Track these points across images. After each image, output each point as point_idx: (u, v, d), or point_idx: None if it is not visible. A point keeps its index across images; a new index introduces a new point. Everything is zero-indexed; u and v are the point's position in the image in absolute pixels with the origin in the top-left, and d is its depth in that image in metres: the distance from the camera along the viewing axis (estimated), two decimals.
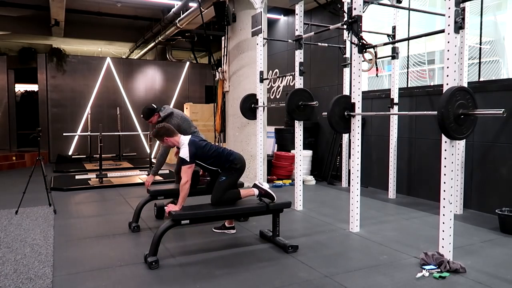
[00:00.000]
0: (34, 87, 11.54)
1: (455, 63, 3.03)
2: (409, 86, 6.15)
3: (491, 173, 4.83)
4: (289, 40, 6.60)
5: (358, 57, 4.06)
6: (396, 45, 5.71)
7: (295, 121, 5.17)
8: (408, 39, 5.43)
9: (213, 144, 3.81)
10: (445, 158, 3.12)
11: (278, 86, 9.36)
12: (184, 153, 3.50)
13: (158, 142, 5.02)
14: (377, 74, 5.67)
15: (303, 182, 5.37)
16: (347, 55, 6.68)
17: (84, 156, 9.93)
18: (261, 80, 5.86)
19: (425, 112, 4.48)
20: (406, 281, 2.94)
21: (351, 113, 4.13)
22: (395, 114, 5.78)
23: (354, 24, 3.96)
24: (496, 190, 4.78)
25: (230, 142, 6.91)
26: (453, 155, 3.11)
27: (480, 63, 5.07)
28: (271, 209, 3.66)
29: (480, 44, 5.03)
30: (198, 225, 4.21)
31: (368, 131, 6.67)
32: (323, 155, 7.64)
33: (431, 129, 5.55)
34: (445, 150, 3.12)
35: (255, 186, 3.79)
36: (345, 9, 4.13)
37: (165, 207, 3.61)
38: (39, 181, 5.43)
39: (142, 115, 4.78)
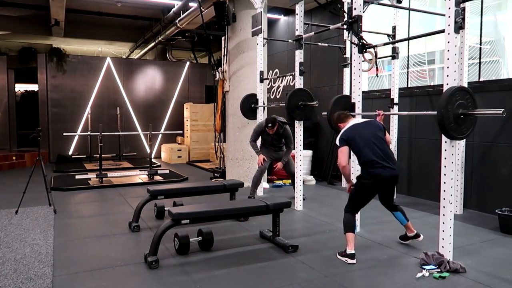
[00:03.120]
0: (34, 87, 11.53)
1: (455, 63, 3.03)
2: (409, 86, 6.15)
3: (491, 173, 4.83)
4: (289, 40, 6.60)
5: (358, 57, 4.06)
6: (396, 45, 5.70)
7: (295, 121, 5.18)
8: (408, 39, 5.43)
9: (371, 138, 3.40)
10: (445, 158, 3.12)
11: (278, 86, 9.35)
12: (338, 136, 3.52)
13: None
14: (377, 74, 5.66)
15: (303, 182, 5.37)
16: (347, 55, 6.68)
17: (84, 156, 9.93)
18: (261, 80, 5.86)
19: (425, 112, 4.49)
20: (406, 281, 2.95)
21: (351, 113, 4.12)
22: (395, 114, 5.78)
23: (354, 24, 3.96)
24: (496, 190, 4.78)
25: (230, 142, 6.92)
26: (453, 155, 3.11)
27: (480, 63, 5.07)
28: (271, 209, 3.66)
29: (480, 44, 5.03)
30: (198, 225, 4.21)
31: None
32: (323, 155, 7.63)
33: (431, 129, 5.55)
34: (445, 150, 3.12)
35: None
36: (345, 9, 4.13)
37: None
38: (39, 181, 5.43)
39: (271, 124, 5.24)
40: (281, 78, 9.19)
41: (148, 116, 10.97)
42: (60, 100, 10.26)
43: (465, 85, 4.57)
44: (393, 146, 5.76)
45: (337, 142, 3.52)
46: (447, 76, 3.07)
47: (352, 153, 3.60)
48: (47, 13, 8.82)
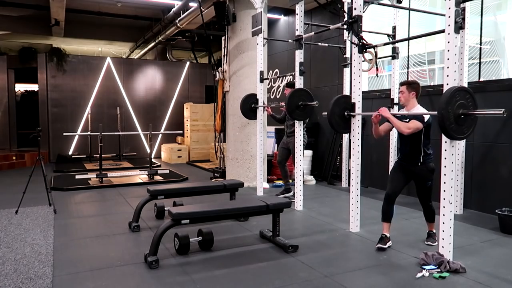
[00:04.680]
0: (34, 87, 11.53)
1: (455, 63, 3.04)
2: None
3: (491, 173, 4.83)
4: (289, 40, 6.60)
5: (358, 57, 4.06)
6: (396, 45, 5.71)
7: (295, 121, 5.17)
8: (408, 39, 5.43)
9: None
10: (445, 158, 3.12)
11: (278, 86, 9.36)
12: (427, 116, 3.57)
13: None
14: (377, 74, 5.67)
15: (303, 182, 5.37)
16: (347, 55, 6.68)
17: (84, 156, 9.93)
18: (261, 80, 5.86)
19: (425, 112, 4.48)
20: (406, 281, 2.95)
21: (351, 113, 4.13)
22: (395, 114, 5.77)
23: (354, 24, 3.96)
24: (496, 190, 4.78)
25: (230, 142, 6.92)
26: (453, 155, 3.11)
27: (480, 63, 5.07)
28: (271, 209, 3.66)
29: (480, 44, 5.03)
30: (198, 225, 4.21)
31: (368, 131, 6.66)
32: (323, 155, 7.64)
33: (431, 129, 5.54)
34: (445, 150, 3.12)
35: None
36: (345, 9, 4.13)
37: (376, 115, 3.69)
38: (39, 181, 5.43)
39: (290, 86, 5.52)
40: (281, 78, 9.19)
41: (148, 116, 10.97)
42: (60, 100, 10.26)
43: (465, 85, 4.57)
44: (393, 147, 5.76)
45: (424, 120, 3.54)
46: (447, 76, 3.07)
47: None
48: (47, 13, 8.82)
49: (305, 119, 5.29)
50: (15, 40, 11.11)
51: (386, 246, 3.60)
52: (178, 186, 5.24)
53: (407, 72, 6.18)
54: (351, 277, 3.03)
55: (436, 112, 3.01)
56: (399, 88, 3.80)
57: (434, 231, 3.86)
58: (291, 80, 8.80)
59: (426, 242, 3.83)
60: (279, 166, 5.92)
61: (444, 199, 3.14)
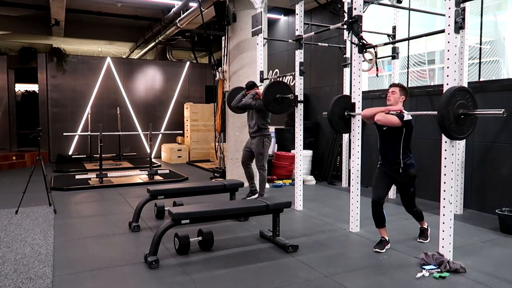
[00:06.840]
0: (34, 87, 11.53)
1: (455, 63, 3.04)
2: (409, 86, 6.14)
3: (491, 173, 4.83)
4: (289, 40, 6.60)
5: (358, 57, 4.06)
6: (396, 45, 5.70)
7: (294, 120, 5.17)
8: (408, 39, 5.42)
9: None
10: (445, 158, 3.12)
11: None
12: (408, 117, 3.54)
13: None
14: (377, 74, 5.66)
15: (303, 182, 5.37)
16: (347, 55, 6.68)
17: (84, 156, 9.93)
18: (261, 80, 5.85)
19: (425, 112, 4.49)
20: (406, 281, 2.95)
21: (351, 113, 4.13)
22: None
23: (354, 24, 3.96)
24: (496, 190, 4.78)
25: (230, 142, 6.92)
26: (453, 155, 3.11)
27: (480, 63, 5.07)
28: (271, 209, 3.66)
29: (480, 44, 5.03)
30: (198, 225, 4.21)
31: (368, 131, 6.67)
32: (323, 155, 7.63)
33: (431, 129, 5.55)
34: (445, 150, 3.12)
35: None
36: (345, 9, 4.13)
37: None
38: (39, 181, 5.43)
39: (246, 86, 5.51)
40: (281, 78, 9.18)
41: (148, 116, 10.97)
42: (60, 100, 10.26)
43: (465, 85, 4.57)
44: None
45: (403, 118, 3.49)
46: (447, 76, 3.07)
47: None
48: (47, 13, 8.82)
49: (281, 112, 5.25)
50: (15, 40, 11.11)
51: (383, 251, 3.58)
52: (178, 186, 5.24)
53: (407, 72, 6.18)
54: (351, 277, 3.04)
55: (436, 112, 3.01)
56: (390, 87, 3.72)
57: (426, 226, 3.91)
58: (292, 80, 8.83)
59: (418, 240, 3.87)
60: (243, 167, 5.74)
61: (444, 199, 3.14)
